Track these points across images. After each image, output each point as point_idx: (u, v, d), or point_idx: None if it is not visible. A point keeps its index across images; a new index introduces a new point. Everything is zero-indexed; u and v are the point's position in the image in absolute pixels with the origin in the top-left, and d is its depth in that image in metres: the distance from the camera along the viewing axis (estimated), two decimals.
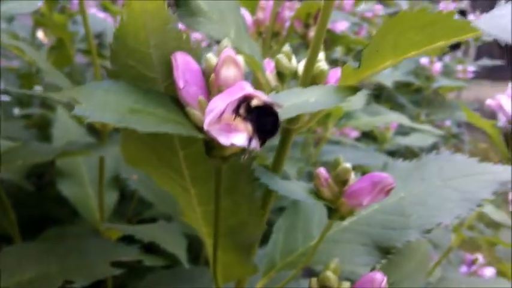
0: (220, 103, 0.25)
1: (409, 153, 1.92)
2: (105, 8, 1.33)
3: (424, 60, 1.99)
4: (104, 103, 0.27)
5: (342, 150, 1.06)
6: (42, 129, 1.10)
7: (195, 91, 0.29)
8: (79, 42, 1.09)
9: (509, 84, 0.77)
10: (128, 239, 0.71)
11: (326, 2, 0.34)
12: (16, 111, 1.05)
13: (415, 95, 2.14)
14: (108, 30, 1.09)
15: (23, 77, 1.12)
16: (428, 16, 0.27)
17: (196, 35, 1.07)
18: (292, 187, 0.40)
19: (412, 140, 1.59)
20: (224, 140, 0.25)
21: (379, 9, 1.85)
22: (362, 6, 1.60)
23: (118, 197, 0.82)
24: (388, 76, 1.53)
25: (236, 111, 0.26)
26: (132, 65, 0.30)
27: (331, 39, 1.01)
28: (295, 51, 0.99)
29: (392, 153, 1.70)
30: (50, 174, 1.00)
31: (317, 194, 0.40)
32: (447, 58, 2.40)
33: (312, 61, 0.36)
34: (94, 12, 1.39)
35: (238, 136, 0.25)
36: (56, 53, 1.08)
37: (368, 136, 1.71)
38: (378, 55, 0.33)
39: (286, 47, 0.38)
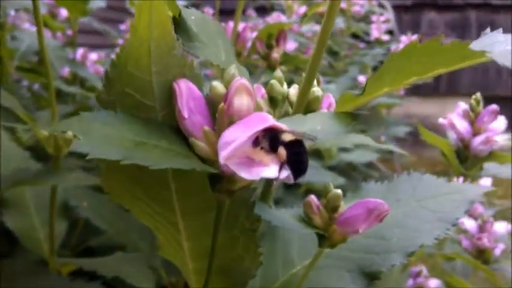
0: (240, 135, 0.23)
1: (348, 168, 1.98)
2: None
3: (361, 78, 2.06)
4: (105, 137, 0.24)
5: None
6: None
7: (200, 120, 0.27)
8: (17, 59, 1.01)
9: (458, 103, 0.81)
10: (81, 273, 0.66)
11: (323, 30, 0.33)
12: None
13: None
14: (49, 47, 1.03)
15: None
16: (440, 46, 0.27)
17: None
18: (282, 216, 0.39)
19: (355, 156, 1.63)
20: (246, 174, 0.23)
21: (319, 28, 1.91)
22: (304, 27, 1.64)
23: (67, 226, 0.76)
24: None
25: (257, 143, 0.24)
26: (130, 94, 0.27)
27: (283, 59, 1.02)
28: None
29: (333, 168, 1.74)
30: None
31: (307, 221, 0.39)
32: None
33: (307, 87, 0.35)
34: (28, 27, 1.31)
35: (268, 169, 0.23)
36: None
37: (311, 152, 1.73)
38: (376, 83, 0.32)
39: (278, 72, 0.36)
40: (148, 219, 0.38)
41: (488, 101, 0.81)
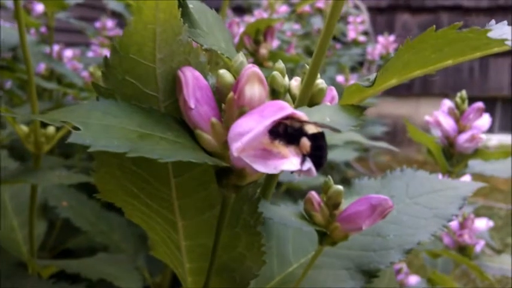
0: (256, 125, 0.22)
1: (326, 167, 1.98)
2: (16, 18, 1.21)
3: (339, 78, 2.08)
4: (106, 128, 0.22)
5: None
6: None
7: (206, 111, 0.26)
8: None
9: (443, 101, 0.81)
10: (62, 275, 0.63)
11: (328, 23, 0.32)
12: None
13: None
14: None
15: None
16: (457, 34, 0.26)
17: None
18: (283, 213, 0.37)
19: (336, 155, 1.63)
20: (262, 167, 0.22)
21: (298, 28, 1.92)
22: (285, 26, 1.64)
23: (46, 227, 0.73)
24: None
25: (273, 134, 0.22)
26: (130, 82, 0.25)
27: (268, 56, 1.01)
28: None
29: None
30: None
31: (308, 219, 0.38)
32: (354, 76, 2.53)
33: (311, 79, 0.34)
34: (1, 23, 1.26)
35: (288, 162, 0.22)
36: None
37: None
38: (385, 74, 0.31)
39: (280, 63, 0.35)
40: (141, 218, 0.36)
41: None
